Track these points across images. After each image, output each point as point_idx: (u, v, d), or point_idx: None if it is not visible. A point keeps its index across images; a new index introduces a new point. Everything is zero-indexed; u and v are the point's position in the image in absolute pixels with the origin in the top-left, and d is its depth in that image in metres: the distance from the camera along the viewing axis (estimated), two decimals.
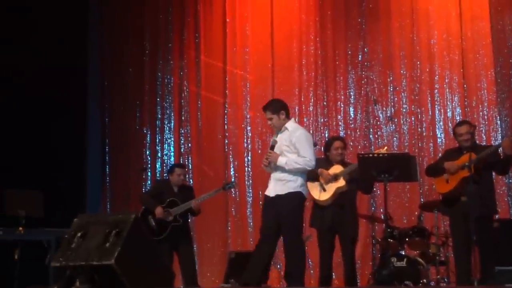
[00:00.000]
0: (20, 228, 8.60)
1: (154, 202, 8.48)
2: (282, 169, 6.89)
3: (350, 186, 7.62)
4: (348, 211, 7.66)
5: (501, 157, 7.10)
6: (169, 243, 8.29)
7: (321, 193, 7.65)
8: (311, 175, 7.67)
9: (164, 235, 8.27)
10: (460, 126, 7.32)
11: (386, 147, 7.72)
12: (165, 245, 8.22)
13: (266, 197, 7.03)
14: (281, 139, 7.00)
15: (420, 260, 8.07)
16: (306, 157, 6.88)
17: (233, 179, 8.54)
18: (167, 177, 8.88)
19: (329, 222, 7.62)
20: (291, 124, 7.07)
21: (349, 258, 7.71)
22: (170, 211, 8.30)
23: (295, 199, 6.89)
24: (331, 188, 7.60)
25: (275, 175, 6.95)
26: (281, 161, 6.86)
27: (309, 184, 7.74)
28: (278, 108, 7.05)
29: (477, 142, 7.92)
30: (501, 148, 7.09)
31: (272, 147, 6.98)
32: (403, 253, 8.16)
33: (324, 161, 7.89)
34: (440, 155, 8.77)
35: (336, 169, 7.66)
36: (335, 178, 7.60)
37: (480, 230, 6.73)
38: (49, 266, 8.33)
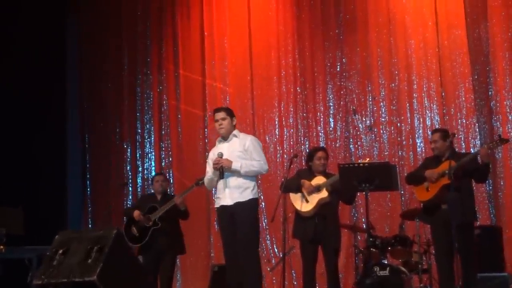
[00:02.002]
0: (1, 247, 8.54)
1: (132, 208, 8.58)
2: (237, 176, 6.90)
3: (333, 197, 7.64)
4: (330, 222, 7.65)
5: (479, 165, 7.14)
6: (153, 252, 8.29)
7: (303, 204, 7.65)
8: (293, 186, 7.69)
9: (146, 240, 8.26)
10: (432, 133, 7.47)
11: (368, 159, 7.75)
12: (150, 254, 8.26)
13: (223, 207, 6.96)
14: (233, 146, 7.02)
15: (403, 268, 8.08)
16: (260, 161, 6.98)
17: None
18: (152, 191, 8.96)
19: (312, 233, 7.61)
20: (238, 132, 7.14)
21: (332, 268, 7.70)
22: (149, 216, 8.32)
23: (255, 206, 6.98)
24: (314, 199, 7.60)
25: (229, 183, 6.91)
26: (236, 165, 6.86)
27: (292, 195, 7.76)
28: (232, 113, 7.16)
29: (457, 149, 7.95)
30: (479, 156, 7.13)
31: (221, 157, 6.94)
32: (386, 262, 8.18)
33: (306, 172, 7.92)
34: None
35: (319, 180, 7.68)
36: (318, 189, 7.61)
37: (462, 238, 6.76)
38: (31, 284, 8.26)
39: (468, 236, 6.99)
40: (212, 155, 7.14)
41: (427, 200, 7.24)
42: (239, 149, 6.98)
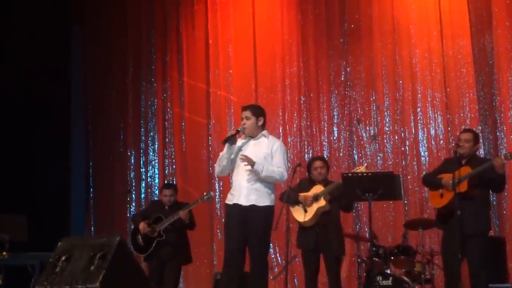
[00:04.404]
0: (4, 253, 8.54)
1: (139, 219, 8.62)
2: (256, 177, 6.59)
3: (333, 205, 7.64)
4: (332, 230, 7.66)
5: (495, 176, 6.90)
6: (158, 260, 8.38)
7: (302, 215, 7.67)
8: (292, 200, 7.66)
9: (150, 251, 8.32)
10: (463, 132, 7.27)
11: (366, 164, 7.73)
12: (154, 262, 8.42)
13: (236, 205, 6.65)
14: (259, 146, 6.73)
15: (405, 278, 8.07)
16: (281, 168, 6.67)
17: (211, 192, 8.53)
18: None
19: (313, 242, 7.62)
20: (267, 133, 6.86)
21: (334, 277, 7.71)
22: (154, 227, 8.35)
23: (271, 214, 6.68)
24: (312, 208, 7.61)
25: (249, 184, 6.62)
26: (258, 167, 6.54)
27: (292, 208, 7.76)
28: (259, 112, 6.82)
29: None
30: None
31: (237, 132, 6.68)
32: (389, 272, 8.16)
33: (307, 182, 7.93)
34: (423, 173, 8.79)
35: (317, 189, 7.69)
36: (316, 198, 7.61)
37: (474, 247, 6.72)
38: None
39: (480, 246, 6.85)
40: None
41: (441, 207, 7.08)
42: (266, 151, 6.68)
